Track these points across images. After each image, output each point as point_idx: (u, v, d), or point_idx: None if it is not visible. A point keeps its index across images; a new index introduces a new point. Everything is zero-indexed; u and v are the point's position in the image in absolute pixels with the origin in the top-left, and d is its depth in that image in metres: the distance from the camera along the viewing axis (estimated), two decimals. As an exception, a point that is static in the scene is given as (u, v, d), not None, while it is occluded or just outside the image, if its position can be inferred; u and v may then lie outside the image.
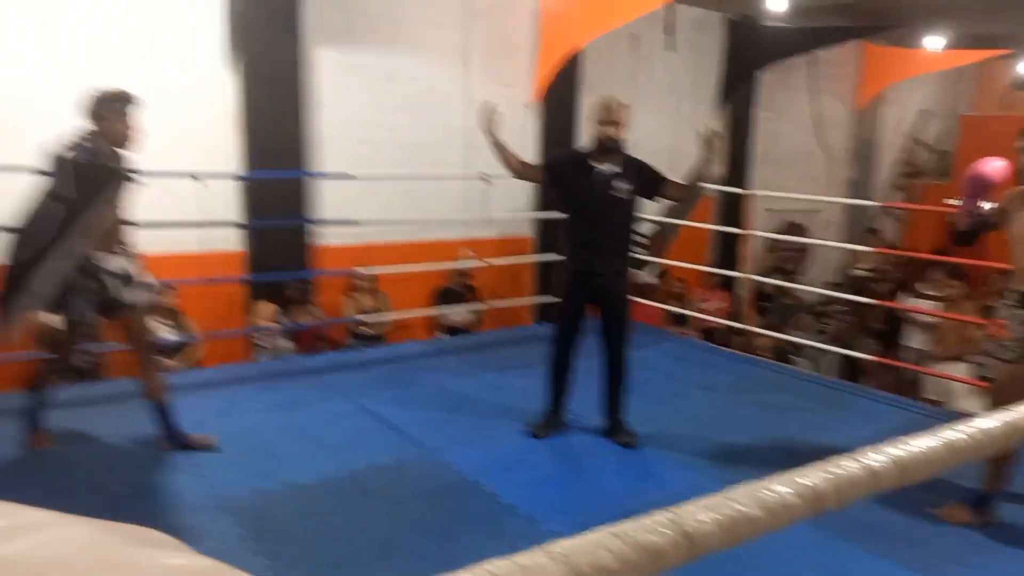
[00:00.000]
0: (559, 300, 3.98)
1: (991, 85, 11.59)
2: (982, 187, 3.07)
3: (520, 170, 3.83)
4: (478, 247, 6.69)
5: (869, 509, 3.27)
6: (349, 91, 6.46)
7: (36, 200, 3.22)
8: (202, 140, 5.65)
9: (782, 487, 0.83)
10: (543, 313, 6.86)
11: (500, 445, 3.79)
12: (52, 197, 3.18)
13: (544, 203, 7.30)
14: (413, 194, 6.72)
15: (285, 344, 5.66)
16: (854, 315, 8.06)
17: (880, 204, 8.51)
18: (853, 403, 4.68)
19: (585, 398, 4.00)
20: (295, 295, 5.86)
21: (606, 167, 3.65)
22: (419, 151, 6.75)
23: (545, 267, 7.17)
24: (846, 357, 7.61)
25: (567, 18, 6.93)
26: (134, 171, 3.42)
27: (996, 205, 3.12)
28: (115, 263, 3.37)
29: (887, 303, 6.85)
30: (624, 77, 7.82)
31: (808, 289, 8.10)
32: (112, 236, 3.38)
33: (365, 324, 6.15)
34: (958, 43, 9.67)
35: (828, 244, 8.46)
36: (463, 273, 6.73)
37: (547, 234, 7.32)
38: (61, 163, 3.20)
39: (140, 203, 5.11)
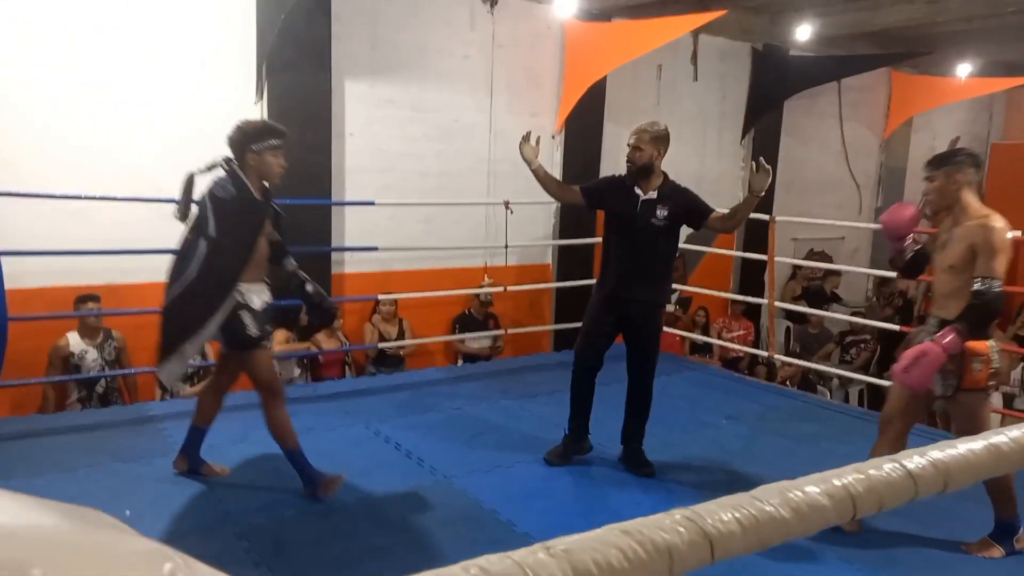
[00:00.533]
0: (584, 324, 3.87)
1: (1022, 113, 11.44)
2: (896, 234, 3.17)
3: (559, 193, 3.89)
4: (498, 275, 6.67)
5: (900, 543, 3.15)
6: (376, 122, 6.53)
7: (185, 238, 3.21)
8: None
9: (812, 487, 0.76)
10: (563, 341, 6.79)
11: (517, 473, 3.72)
12: (197, 234, 3.15)
13: (564, 231, 7.29)
14: (436, 223, 6.75)
15: (293, 372, 5.60)
16: (880, 344, 7.89)
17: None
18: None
19: (603, 426, 3.91)
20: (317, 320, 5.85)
21: (646, 193, 3.62)
22: (444, 180, 6.79)
23: (565, 295, 7.12)
24: (872, 386, 7.45)
25: (592, 47, 6.98)
26: (278, 207, 3.43)
27: (925, 239, 3.17)
28: (258, 299, 3.32)
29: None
30: (649, 106, 7.82)
31: (835, 317, 7.94)
32: (258, 270, 3.33)
33: (385, 351, 6.13)
34: (986, 71, 9.57)
35: (849, 270, 8.28)
36: (483, 301, 6.69)
37: (567, 262, 7.29)
38: (207, 200, 3.17)
39: (165, 234, 5.29)
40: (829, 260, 10.01)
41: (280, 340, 5.54)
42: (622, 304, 3.65)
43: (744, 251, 8.42)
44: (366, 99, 6.46)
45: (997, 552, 3.00)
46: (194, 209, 3.24)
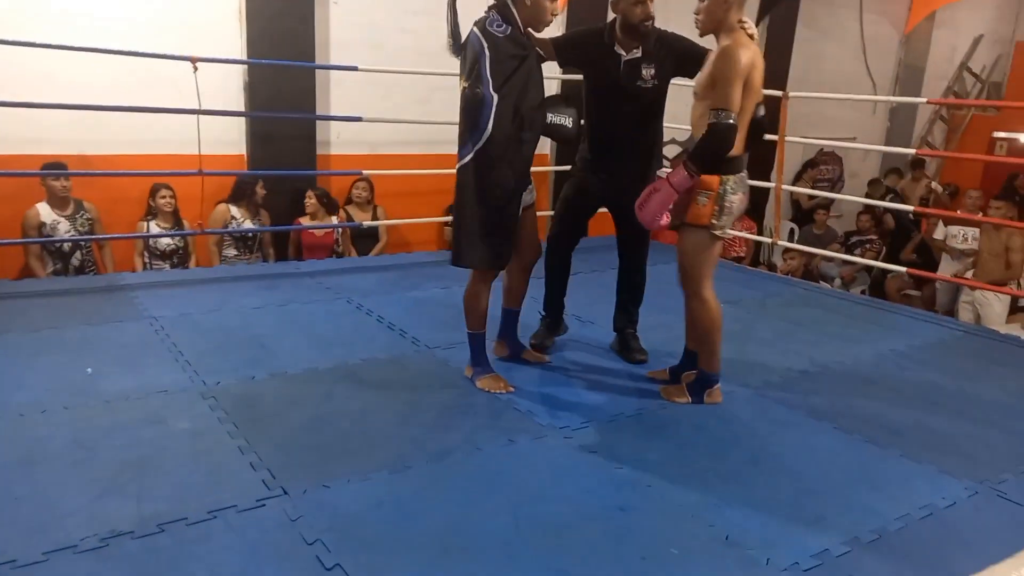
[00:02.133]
0: (560, 202, 3.54)
1: (1053, 10, 10.82)
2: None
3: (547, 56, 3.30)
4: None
5: (899, 416, 3.01)
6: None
7: (463, 90, 2.82)
8: (204, 36, 5.34)
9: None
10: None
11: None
12: (477, 83, 2.74)
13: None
14: (432, 104, 6.35)
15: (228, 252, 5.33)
16: (885, 244, 7.67)
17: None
18: (884, 318, 4.37)
19: (596, 309, 3.72)
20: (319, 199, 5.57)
21: (632, 53, 3.16)
22: (437, 59, 6.35)
23: (563, 180, 6.83)
24: (876, 286, 7.28)
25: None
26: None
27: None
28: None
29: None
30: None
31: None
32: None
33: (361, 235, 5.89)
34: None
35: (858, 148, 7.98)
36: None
37: (563, 148, 6.96)
38: (481, 38, 2.75)
39: (136, 98, 4.99)
40: (839, 161, 9.69)
41: (220, 214, 5.24)
42: (608, 178, 3.33)
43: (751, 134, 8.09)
44: (352, -37, 6.00)
45: (685, 399, 3.00)
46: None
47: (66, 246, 4.72)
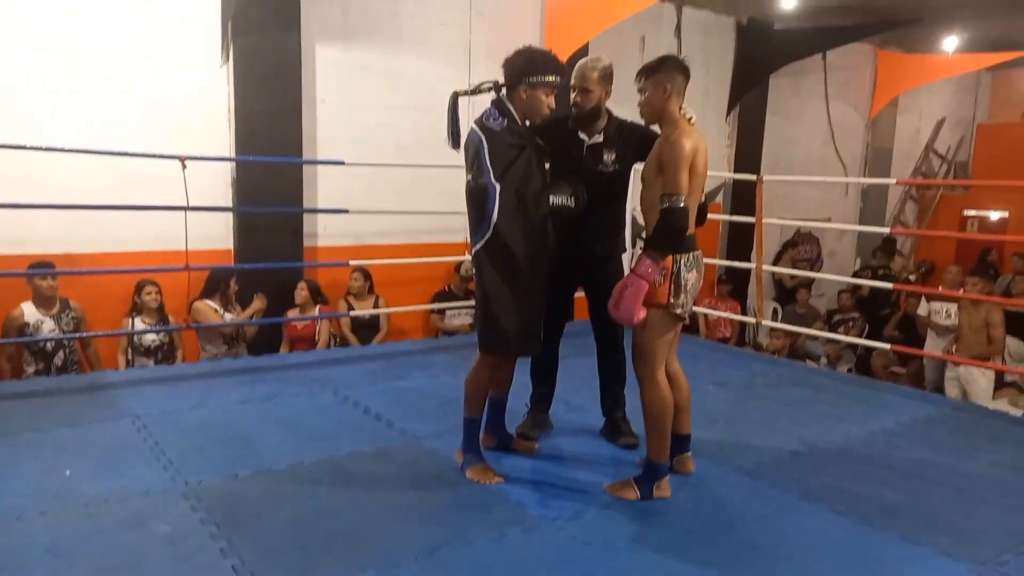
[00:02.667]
0: None
1: (1009, 93, 11.38)
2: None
3: None
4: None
5: (893, 495, 2.98)
6: (349, 89, 6.31)
7: (467, 182, 2.89)
8: (194, 134, 5.48)
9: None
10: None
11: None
12: (480, 174, 2.82)
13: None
14: (412, 196, 6.49)
15: (219, 347, 5.32)
16: (867, 322, 7.75)
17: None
18: (872, 396, 4.37)
19: (584, 394, 3.72)
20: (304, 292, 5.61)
21: (594, 138, 3.28)
22: (421, 153, 6.53)
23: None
24: (862, 364, 7.32)
25: (573, 14, 6.79)
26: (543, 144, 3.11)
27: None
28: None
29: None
30: (632, 79, 7.62)
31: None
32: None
33: (360, 327, 5.92)
34: (971, 48, 9.47)
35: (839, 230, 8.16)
36: (464, 276, 6.49)
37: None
38: (480, 134, 2.86)
39: (123, 197, 5.06)
40: (816, 241, 9.90)
41: (202, 310, 5.24)
42: (576, 262, 3.37)
43: (730, 239, 8.30)
44: (338, 64, 6.24)
45: (633, 494, 2.85)
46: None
47: (49, 345, 4.68)
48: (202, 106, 5.65)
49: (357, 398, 3.99)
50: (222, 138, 5.75)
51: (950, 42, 9.08)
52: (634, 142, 3.27)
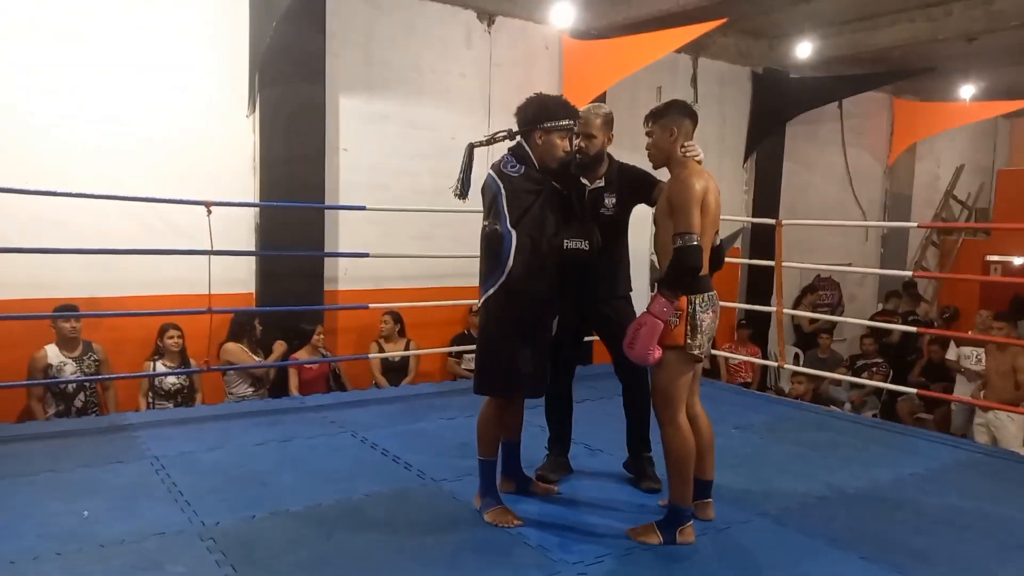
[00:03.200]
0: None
1: (1027, 139, 11.36)
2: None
3: None
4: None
5: (924, 541, 2.89)
6: (371, 138, 6.44)
7: (483, 227, 2.91)
8: (219, 181, 5.60)
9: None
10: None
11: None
12: (495, 220, 2.85)
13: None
14: (432, 240, 6.57)
15: (245, 389, 5.35)
16: (891, 368, 7.63)
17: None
18: (898, 441, 4.27)
19: (604, 436, 3.67)
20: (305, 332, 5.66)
21: (595, 183, 3.32)
22: (439, 199, 6.61)
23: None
24: (887, 410, 7.18)
25: (590, 65, 6.93)
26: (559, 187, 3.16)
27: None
28: None
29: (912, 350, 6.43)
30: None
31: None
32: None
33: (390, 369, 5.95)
34: (987, 96, 9.51)
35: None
36: (482, 320, 6.49)
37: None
38: (497, 180, 2.89)
39: (146, 243, 5.15)
40: (836, 286, 9.83)
41: (234, 352, 5.29)
42: (581, 305, 3.38)
43: (748, 287, 8.27)
44: (361, 114, 6.37)
45: (655, 539, 2.78)
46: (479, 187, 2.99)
47: (70, 387, 4.71)
48: (228, 154, 5.78)
49: (375, 440, 3.97)
50: (247, 185, 5.86)
51: (966, 90, 9.13)
52: (633, 185, 3.32)
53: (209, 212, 4.41)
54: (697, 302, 2.76)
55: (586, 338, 3.70)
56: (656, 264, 3.03)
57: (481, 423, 3.04)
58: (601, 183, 3.31)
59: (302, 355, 5.59)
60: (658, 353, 2.72)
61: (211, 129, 5.69)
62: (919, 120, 9.72)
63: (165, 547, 2.69)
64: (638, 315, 2.81)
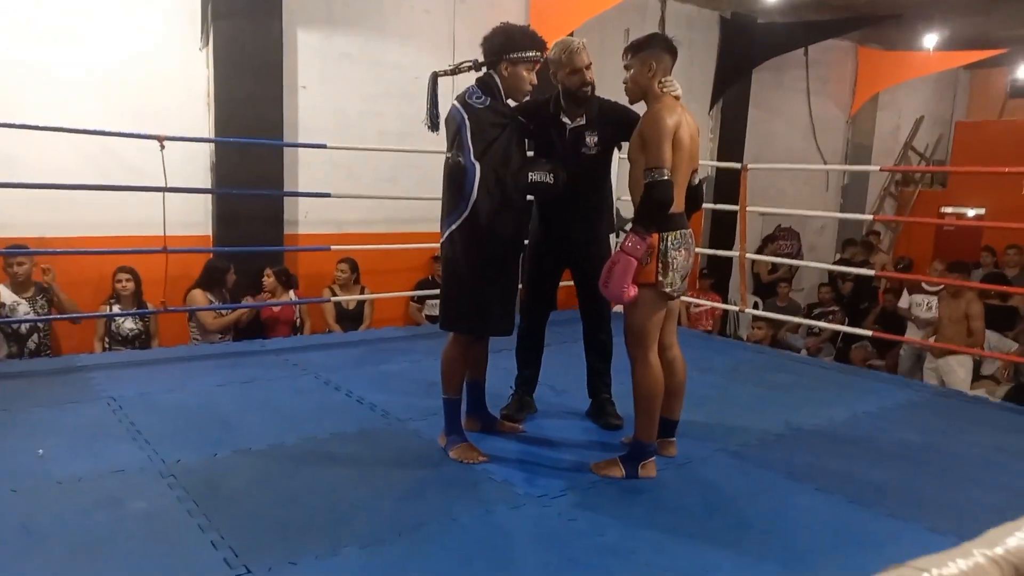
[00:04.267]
0: (525, 273, 3.48)
1: (986, 92, 11.52)
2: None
3: None
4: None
5: (879, 475, 2.98)
6: (332, 77, 6.23)
7: (447, 159, 2.84)
8: (171, 118, 5.37)
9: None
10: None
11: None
12: (459, 153, 2.78)
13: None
14: (397, 183, 6.44)
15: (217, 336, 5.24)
16: (847, 316, 7.80)
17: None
18: (854, 382, 4.39)
19: (569, 378, 3.69)
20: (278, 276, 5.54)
21: (576, 121, 3.23)
22: (405, 141, 6.47)
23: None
24: (841, 356, 7.36)
25: (557, 2, 6.77)
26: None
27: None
28: None
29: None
30: (616, 69, 7.61)
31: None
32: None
33: (344, 315, 5.85)
34: (950, 46, 9.57)
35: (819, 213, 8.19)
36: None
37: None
38: (461, 110, 2.82)
39: (102, 178, 4.96)
40: (796, 236, 9.96)
41: (198, 301, 5.16)
42: (562, 245, 3.35)
43: (712, 233, 8.32)
44: (321, 52, 6.16)
45: (618, 472, 2.83)
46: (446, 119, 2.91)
47: (23, 328, 4.57)
48: (181, 89, 5.55)
49: (339, 382, 3.94)
50: (201, 123, 5.65)
51: (929, 39, 9.16)
52: (614, 122, 3.24)
53: (162, 147, 4.24)
54: (669, 239, 2.74)
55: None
56: (623, 214, 3.00)
57: (445, 362, 3.02)
58: (582, 121, 3.22)
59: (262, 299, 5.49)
60: (633, 291, 2.70)
61: (163, 63, 5.45)
62: (883, 69, 9.76)
63: (125, 484, 2.64)
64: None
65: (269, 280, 5.48)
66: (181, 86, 5.54)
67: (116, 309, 4.96)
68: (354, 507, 2.54)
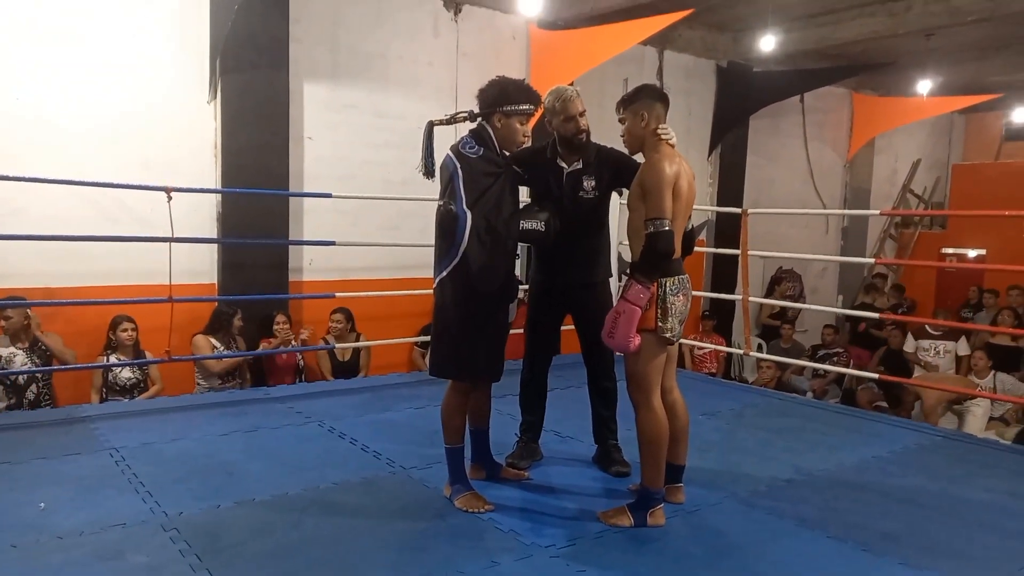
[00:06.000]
0: (527, 319, 3.51)
1: (981, 136, 11.68)
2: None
3: None
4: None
5: (890, 522, 2.94)
6: (337, 127, 6.35)
7: (439, 207, 2.89)
8: (180, 169, 5.46)
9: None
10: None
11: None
12: (451, 201, 2.83)
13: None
14: (400, 231, 6.50)
15: (214, 382, 5.23)
16: (852, 356, 7.77)
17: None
18: (862, 426, 4.35)
19: (574, 424, 3.66)
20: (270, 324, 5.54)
21: (573, 165, 3.26)
22: (407, 189, 6.52)
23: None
24: (848, 398, 7.31)
25: (558, 55, 6.92)
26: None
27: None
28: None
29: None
30: (615, 119, 7.74)
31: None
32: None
33: (342, 364, 5.83)
34: (944, 91, 9.73)
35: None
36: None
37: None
38: (455, 161, 2.87)
39: (109, 229, 5.00)
40: (798, 278, 9.98)
41: (201, 346, 5.17)
42: (561, 291, 3.36)
43: (714, 279, 8.35)
44: (326, 103, 6.28)
45: (627, 521, 2.79)
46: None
47: (21, 379, 4.56)
48: (189, 141, 5.65)
49: (343, 430, 3.91)
50: (208, 174, 5.74)
51: (924, 86, 9.32)
52: (611, 166, 3.28)
53: (169, 198, 4.29)
54: (668, 285, 2.76)
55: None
56: (624, 257, 3.02)
57: (444, 411, 3.01)
58: (579, 165, 3.26)
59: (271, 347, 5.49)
60: (638, 340, 2.70)
61: (171, 116, 5.56)
62: (878, 115, 9.91)
63: (127, 537, 2.61)
64: (614, 302, 2.80)
65: (283, 327, 5.49)
66: (189, 137, 5.64)
67: (113, 358, 4.95)
68: (358, 559, 2.50)
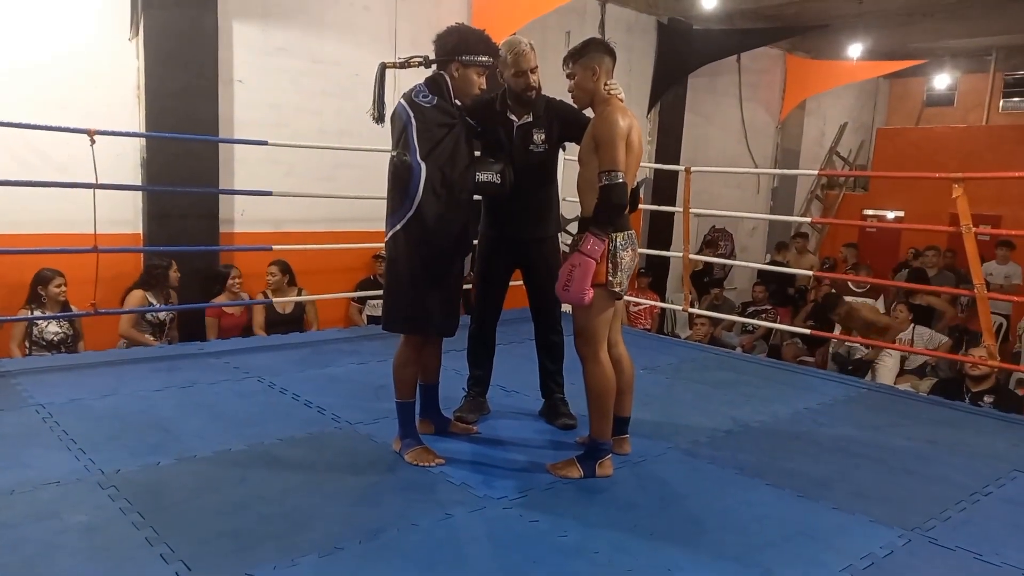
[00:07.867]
0: (475, 273, 3.45)
1: (904, 101, 12.11)
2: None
3: None
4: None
5: (823, 469, 3.08)
6: (269, 71, 6.07)
7: (391, 157, 2.78)
8: (99, 112, 5.13)
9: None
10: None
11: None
12: (405, 151, 2.74)
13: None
14: (337, 182, 6.31)
15: (149, 338, 5.04)
16: (779, 312, 8.06)
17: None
18: (794, 379, 4.53)
19: (520, 378, 3.67)
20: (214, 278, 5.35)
21: (523, 118, 3.22)
22: (344, 140, 6.35)
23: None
24: (774, 353, 7.60)
25: (498, 4, 6.77)
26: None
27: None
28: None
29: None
30: (556, 72, 7.66)
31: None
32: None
33: (281, 319, 5.68)
34: (872, 58, 10.02)
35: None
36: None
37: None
38: (407, 109, 2.77)
39: (27, 174, 4.68)
40: (730, 237, 10.23)
41: (136, 303, 4.96)
42: (511, 244, 3.35)
43: (651, 232, 8.47)
44: (257, 45, 5.99)
45: (576, 473, 2.83)
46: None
47: (-67, 333, 4.28)
48: (110, 82, 5.31)
49: (284, 385, 3.83)
50: (131, 117, 5.42)
51: (854, 49, 9.57)
52: (561, 121, 3.25)
53: (93, 141, 4.04)
54: (618, 240, 2.77)
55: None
56: (564, 215, 2.99)
57: (396, 366, 2.98)
58: (529, 118, 3.22)
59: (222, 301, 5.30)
60: (592, 293, 2.71)
61: (89, 53, 5.21)
62: (810, 77, 10.14)
63: (62, 496, 2.50)
64: (566, 255, 2.79)
65: (237, 283, 5.31)
66: (110, 77, 5.31)
67: (38, 313, 4.70)
68: (309, 514, 2.46)
